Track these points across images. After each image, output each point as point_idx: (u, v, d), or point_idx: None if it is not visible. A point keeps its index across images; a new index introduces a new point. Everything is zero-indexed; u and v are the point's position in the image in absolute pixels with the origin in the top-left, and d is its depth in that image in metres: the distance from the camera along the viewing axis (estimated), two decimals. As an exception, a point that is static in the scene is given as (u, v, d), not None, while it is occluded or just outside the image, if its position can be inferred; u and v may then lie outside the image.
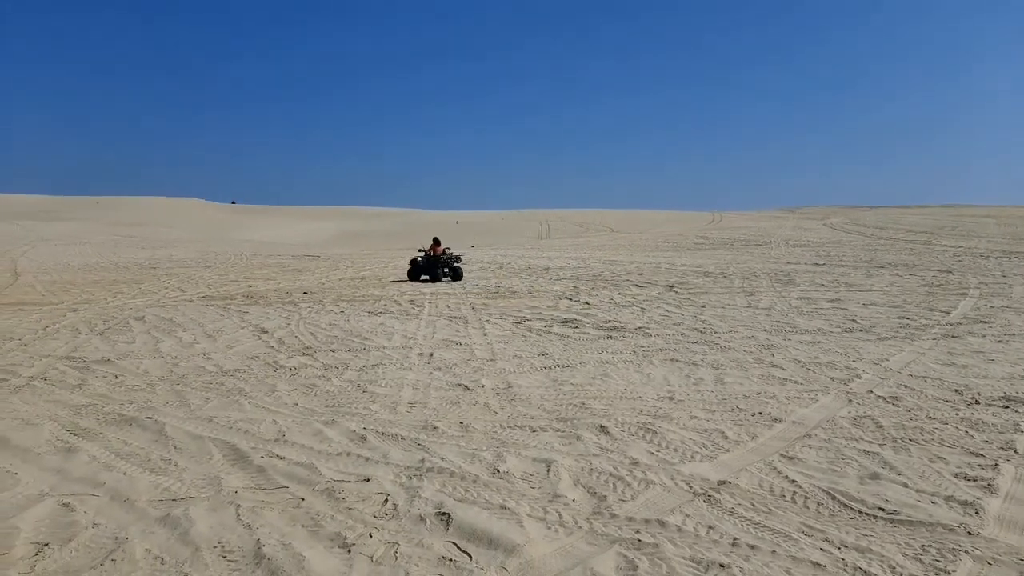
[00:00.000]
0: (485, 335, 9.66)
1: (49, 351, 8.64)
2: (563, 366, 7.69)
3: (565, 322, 10.64)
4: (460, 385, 6.86)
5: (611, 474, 4.46)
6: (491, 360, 8.03)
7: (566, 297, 13.82)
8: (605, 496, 4.12)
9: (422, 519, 3.80)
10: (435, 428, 5.46)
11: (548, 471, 4.52)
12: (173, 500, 4.06)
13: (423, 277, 18.54)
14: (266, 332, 10.06)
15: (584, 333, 9.70)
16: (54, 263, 27.38)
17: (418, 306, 12.86)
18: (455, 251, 20.26)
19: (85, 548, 3.48)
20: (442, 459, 4.75)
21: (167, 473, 4.51)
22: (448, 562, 3.35)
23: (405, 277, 18.97)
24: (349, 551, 3.44)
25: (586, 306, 12.41)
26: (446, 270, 18.47)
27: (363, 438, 5.22)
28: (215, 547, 3.47)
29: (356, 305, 13.23)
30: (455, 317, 11.38)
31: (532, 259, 25.42)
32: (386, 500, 4.07)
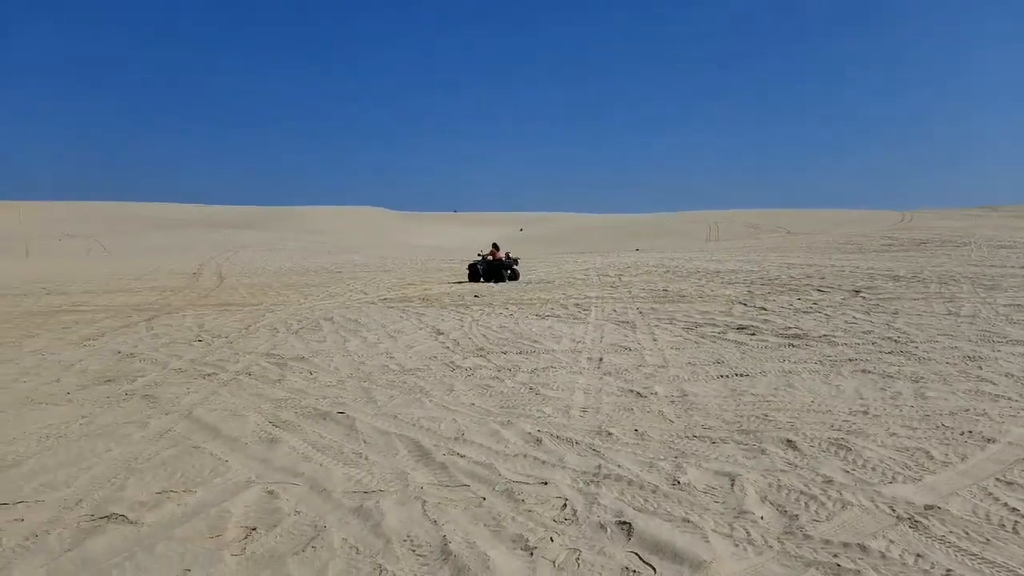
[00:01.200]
0: (655, 340, 9.44)
1: (252, 348, 9.45)
2: (741, 375, 7.34)
3: (741, 328, 10.17)
4: (632, 391, 6.73)
5: (802, 492, 4.16)
6: (663, 366, 7.82)
7: (740, 302, 13.23)
8: (797, 515, 3.84)
9: (602, 527, 3.73)
10: (609, 434, 5.37)
11: (732, 485, 4.29)
12: (365, 492, 4.26)
13: (481, 280, 20.34)
14: (442, 333, 10.43)
15: (762, 340, 9.21)
16: (253, 268, 30.11)
17: (585, 310, 12.82)
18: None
19: (288, 534, 3.72)
20: (619, 466, 4.65)
21: (359, 466, 4.75)
22: (631, 573, 3.25)
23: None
24: (531, 554, 3.44)
25: (763, 311, 11.81)
26: (508, 272, 20.34)
27: (539, 440, 5.23)
28: (405, 540, 3.59)
29: (524, 308, 13.42)
30: (623, 321, 11.22)
31: (701, 262, 24.64)
32: (564, 505, 4.03)
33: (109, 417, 6.02)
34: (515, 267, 20.65)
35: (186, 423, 5.82)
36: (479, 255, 21.71)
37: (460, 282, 20.47)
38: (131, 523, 3.85)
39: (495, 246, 21.52)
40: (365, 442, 5.27)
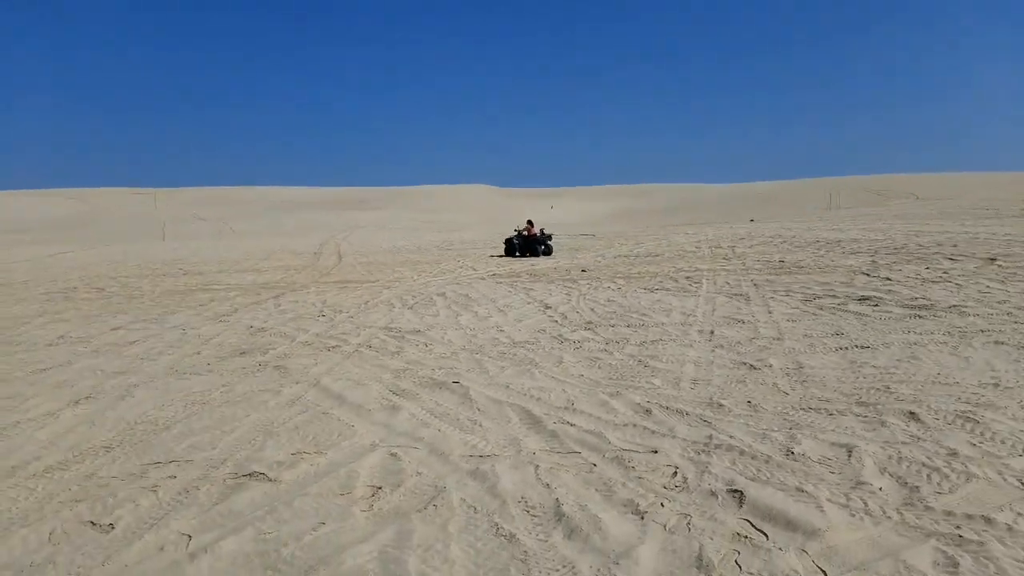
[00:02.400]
0: (770, 313, 9.22)
1: (371, 322, 9.91)
2: (862, 347, 7.08)
3: (862, 299, 9.76)
4: (745, 364, 6.64)
5: (924, 464, 4.04)
6: (778, 339, 7.65)
7: (863, 272, 12.65)
8: (918, 487, 3.74)
9: (713, 494, 3.77)
10: (721, 406, 5.35)
11: (849, 456, 4.21)
12: (480, 456, 4.47)
13: (526, 254, 21.91)
14: (550, 307, 10.58)
15: (886, 312, 8.81)
16: (369, 246, 31.28)
17: (696, 283, 12.63)
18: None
19: (411, 493, 3.97)
20: (730, 437, 4.65)
21: (473, 432, 4.97)
22: (743, 539, 3.29)
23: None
24: (642, 518, 3.53)
25: (887, 282, 11.26)
26: (542, 247, 21.90)
27: (648, 411, 5.28)
28: (519, 501, 3.77)
29: (632, 282, 13.36)
30: (736, 294, 11.00)
31: (820, 231, 23.63)
32: (675, 473, 4.09)
33: (246, 386, 6.53)
34: (549, 243, 22.21)
35: (315, 391, 6.24)
36: (515, 230, 23.18)
37: (499, 256, 20.57)
38: (270, 480, 4.22)
39: (530, 223, 23.28)
40: (479, 410, 5.49)
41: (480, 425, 5.12)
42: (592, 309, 10.22)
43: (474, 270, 17.59)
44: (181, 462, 4.60)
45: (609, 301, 10.95)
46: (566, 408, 5.45)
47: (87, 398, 6.25)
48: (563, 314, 9.91)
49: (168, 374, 7.13)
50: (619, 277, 14.27)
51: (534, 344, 7.96)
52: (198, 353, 8.16)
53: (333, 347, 8.24)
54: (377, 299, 12.51)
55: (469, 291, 13.08)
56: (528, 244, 22.01)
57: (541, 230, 22.83)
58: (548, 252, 21.96)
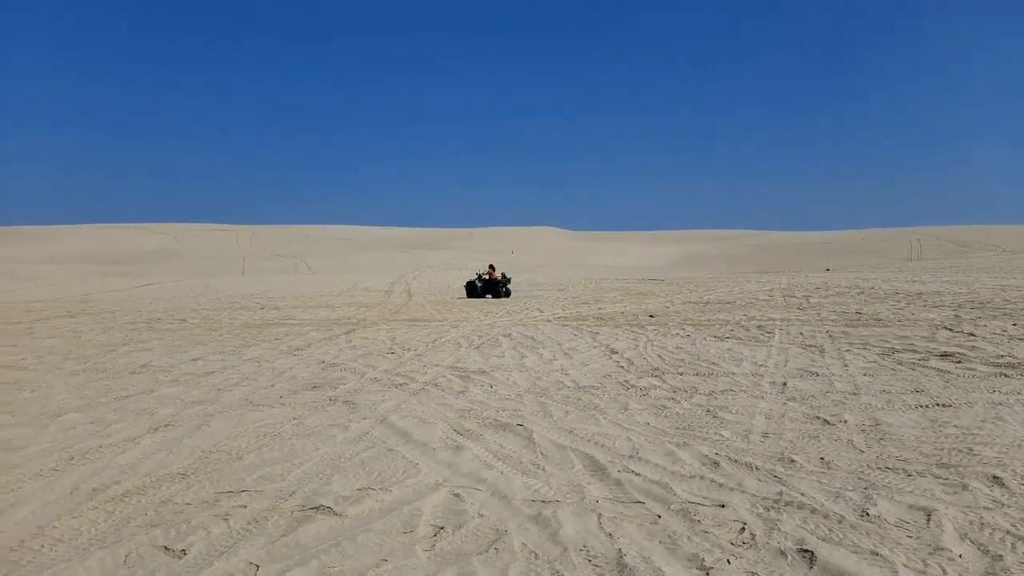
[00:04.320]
0: (846, 366, 8.91)
1: (438, 361, 10.02)
2: (943, 405, 6.76)
3: (944, 355, 9.34)
4: (819, 418, 6.42)
5: (1008, 532, 3.81)
6: (854, 394, 7.38)
7: (945, 327, 12.13)
8: (1001, 556, 3.53)
9: (782, 553, 3.64)
10: (792, 461, 5.18)
11: (928, 520, 4.01)
12: (543, 502, 4.44)
13: (486, 296, 24.17)
14: (616, 352, 10.49)
15: (969, 369, 8.41)
16: (438, 286, 31.74)
17: (768, 332, 12.34)
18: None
19: (473, 535, 3.96)
20: (802, 494, 4.49)
21: (536, 476, 4.94)
22: (814, 602, 3.16)
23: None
24: (707, 574, 3.43)
25: (971, 338, 10.76)
26: (503, 289, 24.24)
27: (716, 463, 5.15)
28: (581, 550, 3.71)
29: (702, 329, 13.15)
30: (810, 345, 10.69)
31: (900, 283, 22.82)
32: (743, 529, 3.97)
33: (316, 420, 6.67)
34: (508, 286, 24.77)
35: (381, 428, 6.33)
36: (477, 274, 25.98)
37: (462, 301, 20.37)
38: (336, 515, 4.28)
39: (491, 267, 25.64)
40: (542, 454, 5.46)
41: (543, 469, 5.09)
42: (660, 356, 10.09)
43: (540, 312, 17.62)
44: (252, 492, 4.71)
45: (677, 348, 10.79)
46: (631, 456, 5.37)
47: (166, 425, 6.49)
48: (630, 360, 9.81)
49: (243, 405, 7.35)
50: (688, 324, 14.06)
51: (599, 389, 7.89)
52: (272, 386, 8.39)
53: (400, 384, 8.35)
54: (444, 338, 12.65)
55: (535, 333, 13.10)
56: (489, 287, 24.33)
57: (503, 274, 25.45)
58: (507, 294, 24.27)
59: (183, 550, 3.82)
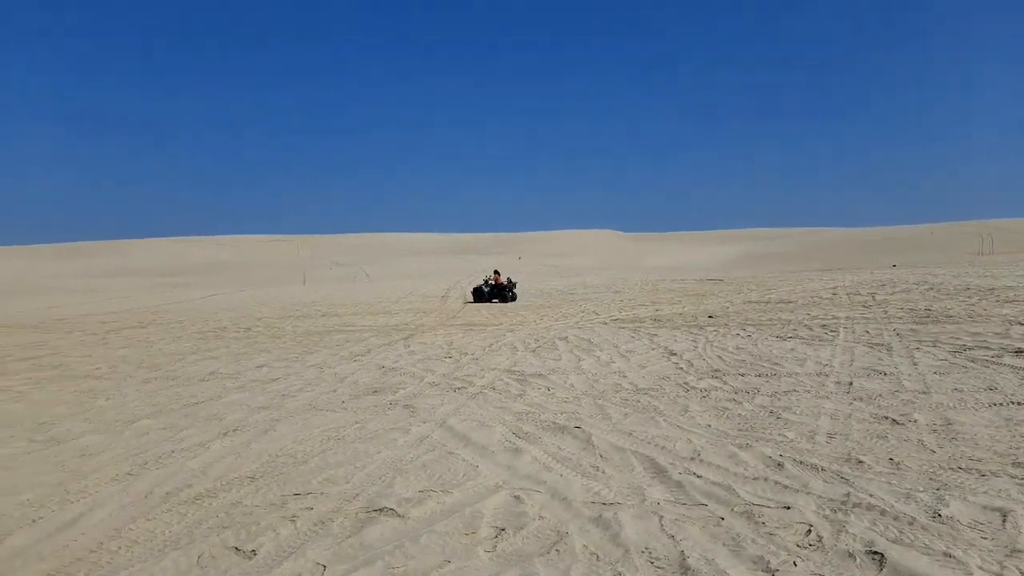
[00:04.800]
0: (915, 365, 8.63)
1: (495, 365, 10.08)
2: (1018, 403, 6.49)
3: (1019, 352, 8.95)
4: (887, 418, 6.23)
5: (1095, 535, 3.64)
6: (924, 393, 7.14)
7: (1019, 323, 11.63)
8: (1088, 560, 3.37)
9: (850, 555, 3.55)
10: (860, 462, 5.04)
11: (1004, 521, 3.86)
12: (603, 504, 4.43)
13: (493, 300, 24.76)
14: (675, 354, 10.38)
15: (1048, 364, 8.05)
16: (493, 291, 31.81)
17: (832, 331, 12.03)
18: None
19: (534, 536, 3.98)
20: (870, 495, 4.37)
21: (596, 479, 4.93)
22: (886, 606, 3.08)
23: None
24: (773, 576, 3.38)
25: (1049, 332, 10.29)
26: (509, 293, 24.70)
27: (780, 465, 5.06)
28: (643, 552, 3.69)
29: (763, 329, 12.89)
30: (877, 344, 10.38)
31: (971, 278, 21.96)
32: (809, 531, 3.89)
33: (377, 423, 6.79)
34: (514, 290, 25.26)
35: (441, 431, 6.40)
36: (484, 279, 26.88)
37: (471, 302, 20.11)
38: (399, 516, 4.35)
39: (496, 272, 26.38)
40: (602, 456, 5.44)
41: (603, 472, 5.08)
42: (720, 357, 9.94)
43: (596, 315, 17.55)
44: (317, 494, 4.82)
45: (738, 349, 10.61)
46: (692, 458, 5.31)
47: (234, 431, 6.70)
48: (689, 361, 9.69)
49: (306, 410, 7.52)
50: (749, 324, 13.81)
51: (658, 391, 7.82)
52: (334, 391, 8.57)
53: (459, 388, 8.43)
54: (501, 342, 12.71)
55: (591, 336, 13.05)
56: (496, 291, 24.98)
57: (508, 278, 26.16)
58: (513, 298, 24.79)
59: (253, 551, 3.94)
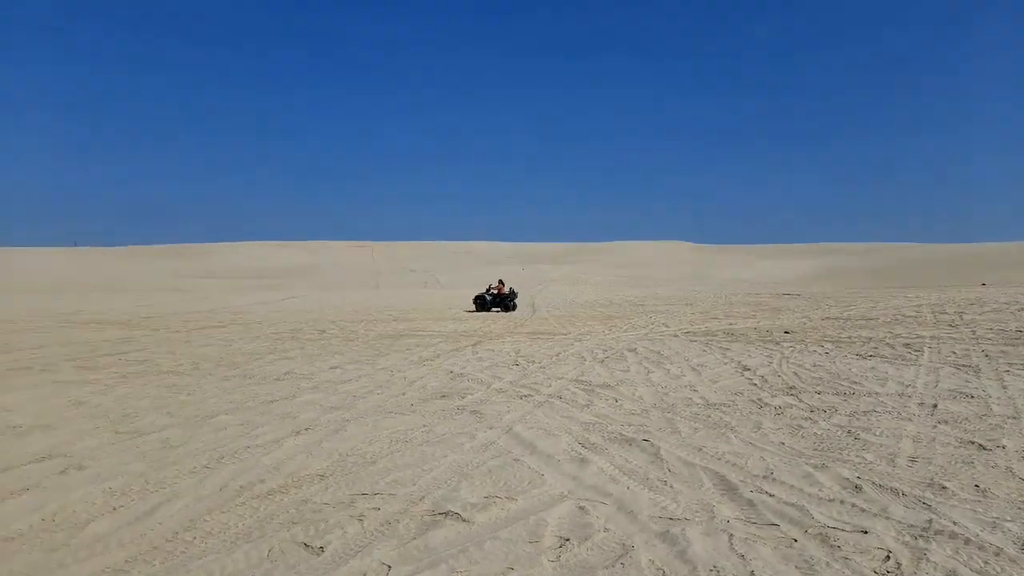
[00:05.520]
0: (1005, 388, 8.16)
1: (562, 374, 10.03)
2: (1126, 432, 6.05)
3: (1126, 377, 8.36)
4: (973, 443, 5.90)
5: None
6: (1014, 418, 6.74)
7: (1125, 346, 10.87)
8: None
9: (935, 587, 3.36)
10: (943, 488, 4.78)
11: (1110, 560, 3.58)
12: (671, 519, 4.32)
13: (494, 309, 25.69)
14: (748, 369, 10.10)
15: None
16: (562, 300, 31.82)
17: (916, 351, 11.50)
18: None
19: (598, 548, 3.91)
20: (954, 523, 4.13)
21: (663, 493, 4.82)
22: (973, 643, 2.89)
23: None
24: (849, 604, 3.22)
25: None
26: (511, 303, 25.75)
27: (857, 487, 4.84)
28: (711, 570, 3.58)
29: (842, 347, 12.44)
30: (964, 365, 9.87)
31: (1069, 299, 20.68)
32: (887, 557, 3.70)
33: (444, 427, 6.83)
34: (515, 300, 26.30)
35: (507, 438, 6.39)
36: (487, 288, 26.95)
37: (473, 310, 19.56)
38: (464, 521, 4.35)
39: (500, 282, 26.85)
40: (670, 471, 5.33)
41: (671, 486, 4.96)
42: (796, 373, 9.63)
43: (667, 327, 17.27)
44: (385, 495, 4.87)
45: (815, 366, 10.26)
46: (765, 477, 5.14)
47: (307, 429, 6.84)
48: (763, 377, 9.42)
49: (376, 412, 7.64)
50: (827, 341, 13.35)
51: (730, 407, 7.62)
52: (403, 394, 8.68)
53: (525, 396, 8.41)
54: (568, 351, 12.64)
55: (661, 348, 12.85)
56: (499, 300, 25.84)
57: (510, 288, 26.94)
58: (514, 308, 25.90)
59: (321, 547, 4.00)
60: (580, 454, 5.82)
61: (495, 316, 22.72)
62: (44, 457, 5.93)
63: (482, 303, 25.70)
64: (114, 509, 4.67)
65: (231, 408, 7.95)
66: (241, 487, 5.11)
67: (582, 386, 9.02)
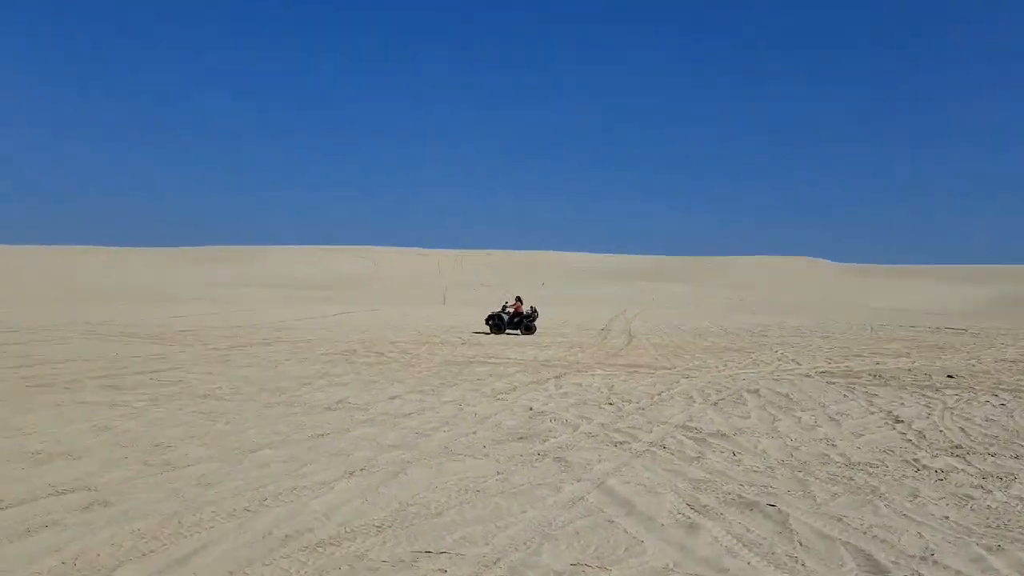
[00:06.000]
0: None
1: (665, 418, 9.90)
2: None
3: None
4: None
5: None
6: None
7: None
8: None
9: None
10: None
11: None
12: (803, 606, 4.18)
13: (510, 331, 25.85)
14: (901, 422, 9.74)
15: None
16: (664, 325, 31.47)
17: (1121, 405, 10.83)
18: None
19: (712, 637, 3.81)
20: None
21: (794, 572, 4.67)
22: None
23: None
24: None
25: None
26: (532, 323, 25.88)
27: (1046, 579, 4.58)
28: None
29: (1022, 397, 11.85)
30: None
31: None
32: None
33: (523, 476, 6.83)
34: (536, 321, 26.28)
35: (598, 493, 6.34)
36: (503, 306, 26.81)
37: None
38: (546, 592, 4.32)
39: (519, 299, 27.27)
40: (801, 544, 5.16)
41: (803, 564, 4.81)
42: (962, 429, 9.24)
43: (797, 364, 16.85)
44: (452, 555, 4.90)
45: (988, 420, 9.81)
46: (923, 558, 4.92)
47: (362, 470, 6.97)
48: (920, 432, 9.06)
49: (442, 453, 7.71)
50: (1003, 389, 12.76)
51: (878, 468, 7.36)
52: (473, 433, 8.74)
53: (620, 443, 8.34)
54: (673, 390, 12.48)
55: (790, 390, 12.54)
56: (517, 320, 25.88)
57: (531, 307, 26.90)
58: (534, 330, 25.92)
59: (377, 614, 4.04)
60: (689, 518, 5.72)
61: (584, 343, 22.64)
62: (66, 490, 6.23)
63: (498, 324, 25.75)
64: (143, 555, 4.84)
65: (275, 441, 8.17)
66: (287, 536, 5.23)
67: (691, 434, 8.87)
